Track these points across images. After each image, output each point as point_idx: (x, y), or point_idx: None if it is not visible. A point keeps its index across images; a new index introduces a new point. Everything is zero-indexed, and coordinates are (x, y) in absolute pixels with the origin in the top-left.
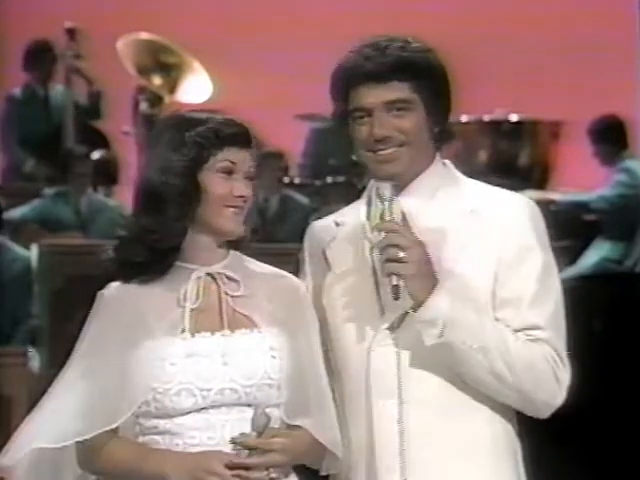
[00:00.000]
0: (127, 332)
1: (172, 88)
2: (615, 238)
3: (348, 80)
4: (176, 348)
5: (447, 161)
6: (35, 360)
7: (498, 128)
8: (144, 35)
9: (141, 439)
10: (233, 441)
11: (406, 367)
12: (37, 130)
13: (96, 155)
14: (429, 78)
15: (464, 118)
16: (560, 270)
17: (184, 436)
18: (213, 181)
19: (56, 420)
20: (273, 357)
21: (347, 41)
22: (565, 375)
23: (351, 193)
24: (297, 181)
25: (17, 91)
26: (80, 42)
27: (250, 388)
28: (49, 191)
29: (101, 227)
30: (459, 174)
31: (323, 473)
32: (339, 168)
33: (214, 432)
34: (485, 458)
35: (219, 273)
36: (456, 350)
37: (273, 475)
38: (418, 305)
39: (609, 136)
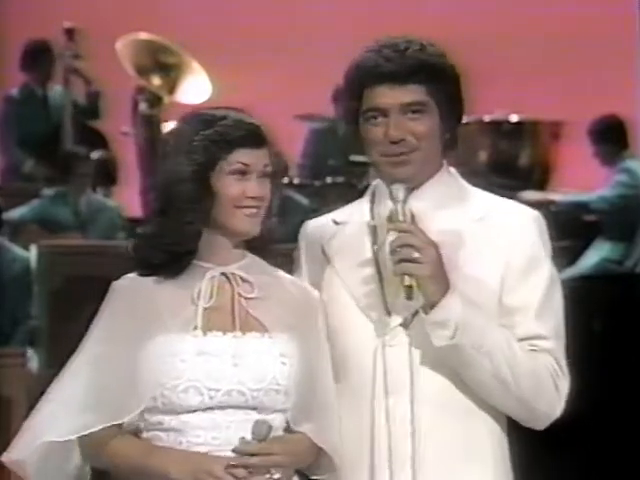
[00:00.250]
0: (140, 324)
1: (171, 88)
2: (615, 238)
3: (365, 79)
4: (187, 345)
5: (452, 169)
6: (34, 360)
7: (498, 128)
8: (143, 35)
9: (145, 435)
10: (234, 450)
11: (417, 365)
12: (36, 130)
13: (95, 155)
14: (445, 83)
15: (464, 118)
16: (560, 270)
17: (188, 434)
18: (225, 183)
19: (65, 412)
20: (283, 363)
21: (347, 41)
22: (565, 385)
23: (350, 193)
24: (296, 181)
25: (15, 91)
26: (79, 42)
27: (258, 392)
28: (48, 192)
29: (100, 228)
30: (465, 183)
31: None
32: (338, 169)
33: (219, 432)
34: (494, 458)
35: (233, 274)
36: (464, 353)
37: (275, 477)
38: (430, 306)
39: (609, 136)
